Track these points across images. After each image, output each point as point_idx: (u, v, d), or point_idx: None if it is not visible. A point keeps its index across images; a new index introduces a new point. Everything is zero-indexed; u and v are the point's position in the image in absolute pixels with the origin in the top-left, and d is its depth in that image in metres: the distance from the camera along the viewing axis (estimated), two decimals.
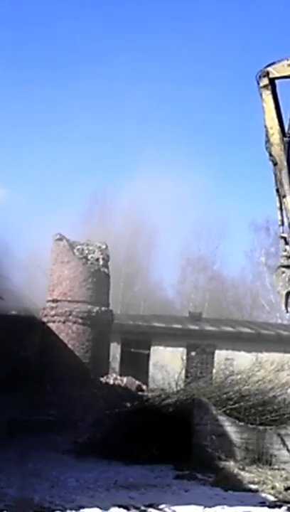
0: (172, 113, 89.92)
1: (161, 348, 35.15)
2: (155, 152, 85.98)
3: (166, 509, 11.84)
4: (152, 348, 35.32)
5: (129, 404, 21.53)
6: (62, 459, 17.20)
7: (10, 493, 12.58)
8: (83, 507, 11.56)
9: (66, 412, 24.11)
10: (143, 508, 11.85)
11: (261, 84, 12.83)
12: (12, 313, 34.83)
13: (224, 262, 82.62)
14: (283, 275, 12.96)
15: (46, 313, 30.82)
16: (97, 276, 30.73)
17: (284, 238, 12.92)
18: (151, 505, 12.02)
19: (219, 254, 66.58)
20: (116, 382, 29.21)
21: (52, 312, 30.45)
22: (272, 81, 12.96)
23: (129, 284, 62.69)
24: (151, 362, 34.77)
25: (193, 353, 33.84)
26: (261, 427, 17.30)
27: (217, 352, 34.90)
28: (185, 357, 33.14)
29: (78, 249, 31.10)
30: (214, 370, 29.44)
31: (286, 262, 12.98)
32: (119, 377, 30.00)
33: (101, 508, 11.48)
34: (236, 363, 31.11)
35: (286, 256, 12.95)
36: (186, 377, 22.78)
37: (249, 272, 66.01)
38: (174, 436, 17.13)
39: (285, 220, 12.88)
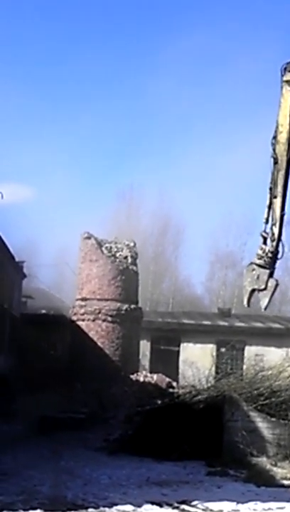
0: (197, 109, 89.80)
1: (191, 344, 35.13)
2: (182, 149, 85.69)
3: (199, 505, 11.80)
4: (182, 345, 35.30)
5: (159, 402, 21.49)
6: (94, 456, 17.23)
7: (43, 490, 12.63)
8: (116, 504, 11.56)
9: (97, 410, 24.19)
10: (176, 504, 11.83)
11: (285, 79, 12.68)
12: (42, 312, 35.04)
13: (252, 257, 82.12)
14: (253, 272, 13.02)
15: (75, 311, 30.94)
16: (125, 274, 30.79)
17: (264, 237, 12.88)
18: (183, 502, 11.99)
19: (248, 250, 66.06)
20: (146, 379, 29.23)
21: (82, 310, 30.57)
22: None
23: (158, 282, 62.66)
24: (181, 359, 34.74)
25: (223, 350, 33.76)
26: None
27: (247, 348, 34.80)
28: (215, 353, 33.13)
29: (106, 248, 31.17)
30: (244, 366, 29.40)
31: (258, 261, 12.98)
32: (149, 375, 30.02)
33: (134, 505, 11.48)
34: (266, 358, 30.97)
35: (260, 255, 12.95)
36: (216, 373, 22.71)
37: (278, 267, 65.51)
38: (205, 433, 17.09)
39: (270, 219, 12.84)
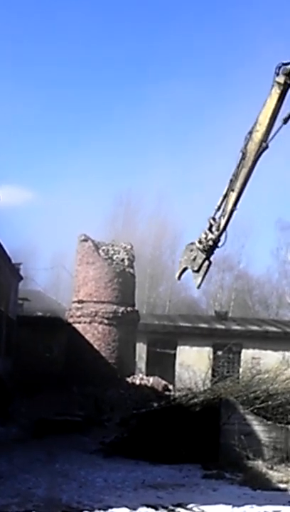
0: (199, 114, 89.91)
1: (187, 347, 35.07)
2: (179, 153, 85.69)
3: (195, 509, 11.79)
4: (178, 348, 35.24)
5: (155, 404, 21.49)
6: (90, 459, 17.20)
7: (38, 493, 12.61)
8: (111, 507, 11.54)
9: (93, 412, 24.15)
10: (171, 507, 11.81)
11: (277, 79, 12.61)
12: (38, 315, 35.00)
13: (249, 261, 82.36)
14: (191, 252, 13.28)
15: (72, 313, 30.89)
16: (122, 276, 30.76)
17: (210, 223, 13.02)
18: (179, 505, 11.98)
19: (245, 253, 66.30)
20: (142, 382, 29.20)
21: (78, 313, 30.52)
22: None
23: (155, 284, 62.66)
24: (177, 361, 34.69)
25: (220, 353, 33.73)
26: (289, 426, 17.19)
27: (243, 351, 34.75)
28: (211, 356, 33.10)
29: (103, 250, 31.14)
30: (241, 370, 29.32)
31: (198, 245, 13.16)
32: (145, 377, 29.98)
33: (129, 508, 11.46)
34: (263, 361, 30.97)
35: (202, 240, 13.11)
36: (213, 376, 22.68)
37: (275, 270, 65.66)
38: (201, 436, 17.07)
39: (221, 209, 12.97)
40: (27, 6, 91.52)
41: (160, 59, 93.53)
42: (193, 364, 29.94)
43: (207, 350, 34.24)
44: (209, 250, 13.29)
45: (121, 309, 30.41)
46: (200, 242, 13.25)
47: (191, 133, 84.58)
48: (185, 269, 13.53)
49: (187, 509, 11.79)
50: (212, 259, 13.73)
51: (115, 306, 30.36)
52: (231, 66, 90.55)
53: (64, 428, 21.51)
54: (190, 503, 12.10)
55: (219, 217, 13.03)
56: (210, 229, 13.13)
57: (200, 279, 13.47)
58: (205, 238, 13.16)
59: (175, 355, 35.19)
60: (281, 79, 12.60)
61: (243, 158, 12.77)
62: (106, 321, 30.24)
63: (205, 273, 13.43)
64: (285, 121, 12.67)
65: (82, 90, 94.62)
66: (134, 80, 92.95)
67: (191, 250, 13.41)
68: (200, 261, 13.36)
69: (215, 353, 34.30)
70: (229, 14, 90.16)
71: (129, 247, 31.87)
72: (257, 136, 12.62)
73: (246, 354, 34.46)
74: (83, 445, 19.45)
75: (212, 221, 13.10)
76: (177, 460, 16.56)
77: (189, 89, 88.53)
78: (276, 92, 12.52)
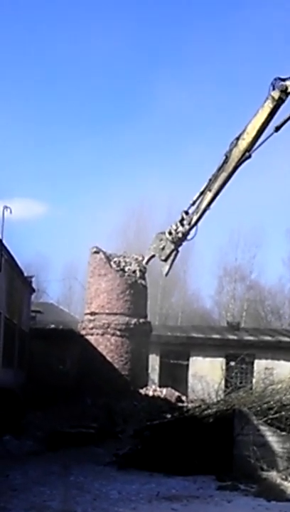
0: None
1: (200, 358, 35.03)
2: (191, 163, 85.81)
3: None
4: (191, 359, 35.21)
5: (169, 416, 21.48)
6: (104, 471, 17.21)
7: (53, 505, 12.63)
8: None
9: (106, 424, 24.15)
10: None
11: (272, 94, 12.66)
12: (51, 327, 35.06)
13: (261, 271, 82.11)
14: (160, 242, 13.50)
15: (84, 325, 30.96)
16: (134, 288, 30.81)
17: (182, 216, 13.16)
18: None
19: (257, 264, 66.20)
20: (155, 393, 29.19)
21: (91, 325, 30.58)
22: (285, 95, 12.74)
23: (167, 296, 62.61)
24: (190, 372, 34.65)
25: (232, 363, 33.68)
26: None
27: (256, 361, 34.68)
28: (224, 367, 33.03)
29: (115, 262, 31.21)
30: (254, 380, 29.31)
31: (168, 235, 13.35)
32: (158, 389, 29.97)
33: None
34: (276, 372, 30.89)
35: (172, 231, 13.28)
36: (226, 387, 22.66)
37: (287, 280, 65.59)
38: (215, 447, 17.06)
39: (195, 205, 13.10)
40: None
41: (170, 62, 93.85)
42: (206, 375, 29.87)
43: (220, 361, 34.18)
44: (177, 242, 13.55)
45: (134, 321, 30.44)
46: (170, 233, 13.49)
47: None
48: (152, 256, 13.84)
49: None
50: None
51: (127, 318, 30.41)
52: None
53: (78, 440, 21.54)
54: None
55: (193, 213, 13.21)
56: (181, 221, 13.31)
57: (167, 267, 13.82)
58: (175, 230, 13.38)
59: (188, 366, 35.17)
60: (276, 94, 12.68)
61: (225, 162, 12.87)
62: (118, 333, 30.28)
63: (172, 262, 13.73)
64: (276, 129, 12.72)
65: (93, 101, 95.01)
66: (143, 91, 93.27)
67: (161, 240, 13.66)
68: (168, 251, 13.63)
69: (227, 363, 34.24)
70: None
71: (140, 258, 31.90)
72: (243, 144, 12.70)
73: (259, 364, 34.39)
74: (97, 457, 19.46)
75: (184, 215, 13.29)
76: (191, 471, 16.56)
77: (197, 96, 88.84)
78: (268, 105, 12.58)
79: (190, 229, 13.20)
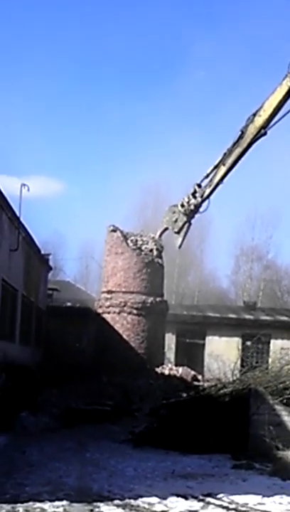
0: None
1: (216, 337, 35.07)
2: (209, 140, 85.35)
3: (224, 498, 11.80)
4: (207, 338, 35.26)
5: (184, 395, 21.50)
6: (120, 449, 17.29)
7: (69, 482, 12.70)
8: (141, 496, 11.60)
9: (122, 403, 24.24)
10: (201, 497, 11.83)
11: None
12: (67, 305, 35.18)
13: (278, 251, 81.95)
14: (173, 214, 13.53)
15: (101, 304, 31.01)
16: (151, 267, 30.79)
17: (195, 189, 13.11)
18: (209, 495, 12.00)
19: (273, 244, 66.12)
20: (171, 372, 29.25)
21: (107, 303, 30.63)
22: None
23: (183, 275, 62.64)
24: (206, 352, 34.70)
25: (249, 343, 33.67)
26: None
27: (272, 341, 34.67)
28: (240, 346, 33.04)
29: (132, 241, 31.17)
30: (270, 360, 29.30)
31: (181, 208, 13.33)
32: (174, 368, 30.04)
33: (159, 497, 11.50)
34: None
35: (185, 203, 13.24)
36: (242, 366, 22.66)
37: None
38: (231, 426, 17.08)
39: (209, 178, 13.04)
40: None
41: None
42: (222, 354, 29.90)
43: (236, 341, 34.21)
44: (190, 214, 13.55)
45: (150, 299, 30.46)
46: (182, 205, 13.50)
47: (222, 119, 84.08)
48: (166, 229, 13.89)
49: (216, 499, 11.81)
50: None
51: (144, 297, 30.42)
52: None
53: (94, 418, 21.66)
54: (220, 493, 12.12)
55: (206, 186, 13.17)
56: (193, 194, 13.29)
57: (180, 239, 13.88)
58: (188, 203, 13.36)
59: (204, 345, 35.22)
60: None
61: (241, 137, 12.82)
62: (135, 312, 30.30)
63: (185, 234, 13.77)
64: None
65: (109, 81, 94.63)
66: (164, 69, 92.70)
67: (173, 212, 13.68)
68: (180, 223, 13.65)
69: (243, 343, 34.24)
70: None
71: (157, 237, 31.87)
72: (259, 121, 12.62)
73: (276, 344, 34.38)
74: (113, 435, 19.55)
75: (197, 188, 13.28)
76: (206, 450, 16.60)
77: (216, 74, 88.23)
78: (287, 84, 12.49)
79: (203, 201, 13.20)
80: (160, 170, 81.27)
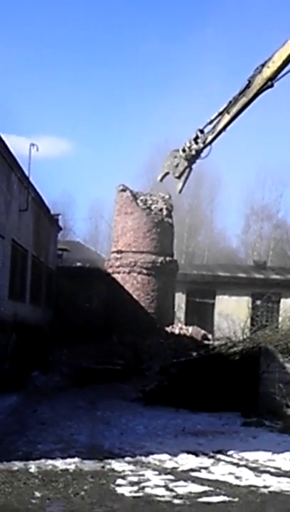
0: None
1: (226, 297, 35.10)
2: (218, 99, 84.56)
3: (234, 455, 11.90)
4: (217, 298, 35.30)
5: (194, 353, 21.59)
6: (131, 407, 17.42)
7: (80, 439, 12.82)
8: (152, 453, 11.71)
9: (132, 362, 24.38)
10: (211, 454, 11.93)
11: None
12: (77, 265, 35.23)
13: (288, 209, 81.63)
14: (174, 159, 13.43)
15: (111, 264, 31.02)
16: (160, 226, 30.72)
17: (197, 134, 13.01)
18: (219, 452, 12.10)
19: (284, 202, 65.96)
20: (181, 331, 29.35)
21: (117, 263, 30.63)
22: None
23: (193, 234, 62.54)
24: (216, 311, 34.78)
25: (258, 302, 33.71)
26: None
27: (282, 300, 34.69)
28: (250, 305, 33.10)
29: (142, 200, 31.06)
30: (280, 319, 29.34)
31: (182, 153, 13.24)
32: (184, 327, 30.13)
33: (170, 454, 11.61)
34: None
35: (186, 148, 13.17)
36: (252, 325, 22.70)
37: None
38: (241, 384, 17.16)
39: (212, 125, 12.94)
40: None
41: None
42: (232, 313, 29.93)
43: (246, 300, 34.27)
44: (191, 159, 13.45)
45: (160, 259, 30.44)
46: (183, 150, 13.38)
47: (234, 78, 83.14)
48: (167, 174, 13.84)
49: (227, 455, 11.90)
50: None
51: (154, 256, 30.40)
52: None
53: (104, 376, 21.81)
54: (230, 450, 12.22)
55: (208, 133, 13.04)
56: (195, 139, 13.18)
57: (180, 184, 13.81)
58: (189, 148, 13.25)
59: (214, 304, 35.28)
60: None
61: (248, 86, 12.59)
62: (145, 271, 30.31)
63: (186, 179, 13.71)
64: None
65: (117, 42, 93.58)
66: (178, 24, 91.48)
67: (175, 157, 13.58)
68: (181, 168, 13.55)
69: (253, 302, 34.31)
70: None
71: (167, 196, 31.73)
72: (266, 72, 12.39)
73: (286, 303, 34.41)
74: (123, 393, 19.69)
75: (199, 133, 13.14)
76: (216, 408, 16.70)
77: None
78: None
79: (204, 147, 13.09)
80: (170, 126, 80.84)
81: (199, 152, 13.17)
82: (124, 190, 31.13)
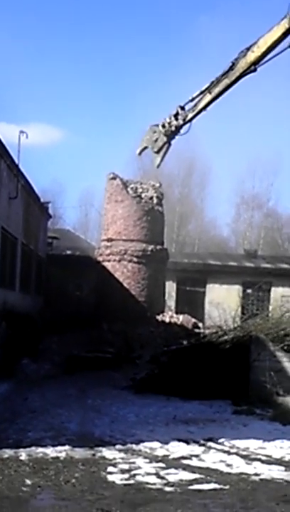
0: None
1: (217, 285, 35.08)
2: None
3: (225, 443, 11.90)
4: (208, 286, 35.28)
5: (185, 342, 21.59)
6: (121, 395, 17.41)
7: (71, 427, 12.80)
8: (143, 441, 11.70)
9: (123, 350, 24.36)
10: (202, 442, 11.94)
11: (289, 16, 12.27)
12: (67, 253, 35.14)
13: (279, 198, 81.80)
14: (154, 134, 13.50)
15: (101, 252, 30.94)
16: (151, 214, 30.65)
17: (178, 111, 13.04)
18: (210, 440, 12.11)
19: (274, 191, 65.88)
20: (172, 320, 29.33)
21: (107, 251, 30.56)
22: None
23: (184, 223, 62.48)
24: (207, 299, 34.76)
25: (249, 291, 33.73)
26: None
27: (273, 289, 34.71)
28: (241, 294, 33.11)
29: (132, 188, 30.96)
30: (270, 307, 29.37)
31: (162, 128, 13.30)
32: (175, 315, 30.11)
33: (161, 442, 11.60)
34: None
35: (166, 124, 13.21)
36: (242, 314, 22.71)
37: None
38: (232, 373, 17.16)
39: (194, 103, 12.95)
40: None
41: None
42: (223, 302, 29.91)
43: (237, 289, 34.27)
44: (170, 135, 13.47)
45: (151, 247, 30.38)
46: (163, 125, 13.39)
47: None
48: (145, 148, 13.85)
49: (218, 443, 11.91)
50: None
51: (144, 245, 30.34)
52: None
53: (95, 364, 21.78)
54: (221, 438, 12.23)
55: (189, 110, 13.04)
56: (175, 116, 13.19)
57: (159, 159, 13.87)
58: (169, 123, 13.26)
59: (204, 293, 35.26)
60: None
61: (231, 68, 12.57)
62: (135, 260, 30.25)
63: (164, 155, 13.75)
64: None
65: (113, 29, 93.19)
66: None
67: (154, 132, 13.60)
68: (160, 143, 13.58)
69: (244, 291, 34.33)
70: None
71: (157, 185, 31.66)
72: (251, 56, 12.35)
73: (276, 292, 34.44)
74: (114, 381, 19.68)
75: (179, 110, 13.14)
76: (207, 396, 16.71)
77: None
78: (284, 25, 12.14)
79: (184, 124, 13.11)
80: (157, 113, 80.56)
81: (178, 128, 13.21)
82: (114, 178, 31.03)
